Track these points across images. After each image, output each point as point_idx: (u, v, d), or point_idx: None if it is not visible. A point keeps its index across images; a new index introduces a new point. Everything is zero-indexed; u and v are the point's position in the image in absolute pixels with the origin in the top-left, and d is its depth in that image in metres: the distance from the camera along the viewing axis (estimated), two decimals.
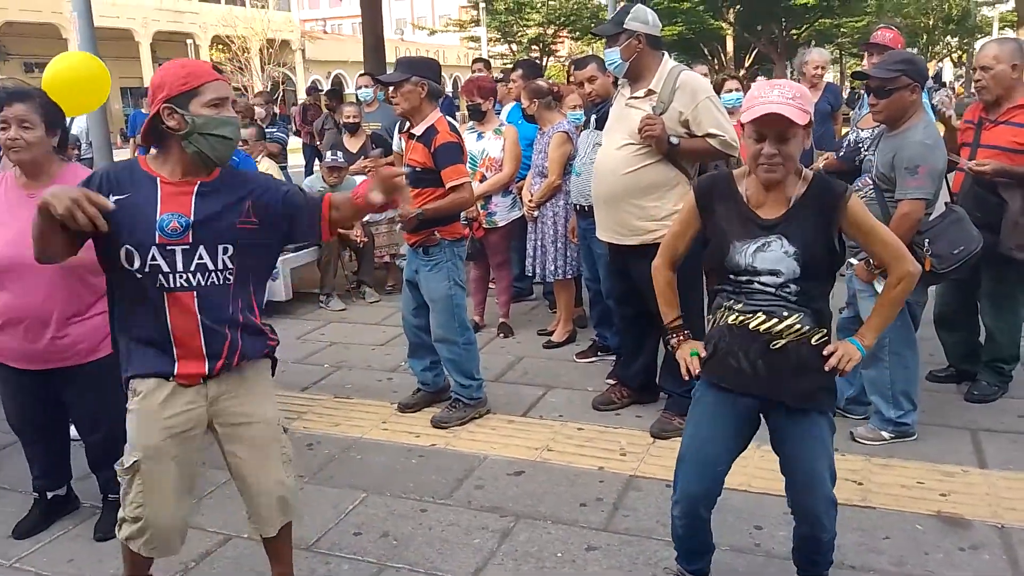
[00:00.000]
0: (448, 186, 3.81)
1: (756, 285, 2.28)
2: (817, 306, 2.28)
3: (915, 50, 23.98)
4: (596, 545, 2.93)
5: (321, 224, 2.39)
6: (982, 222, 3.42)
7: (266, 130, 7.12)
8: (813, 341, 2.27)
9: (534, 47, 29.59)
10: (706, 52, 25.50)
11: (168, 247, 2.21)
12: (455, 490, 3.37)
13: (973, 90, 3.92)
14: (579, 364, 4.85)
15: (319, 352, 5.30)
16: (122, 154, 12.20)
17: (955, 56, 30.73)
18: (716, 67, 16.26)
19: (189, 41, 33.12)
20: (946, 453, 3.49)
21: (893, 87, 3.34)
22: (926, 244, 3.30)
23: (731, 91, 5.65)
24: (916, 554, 2.79)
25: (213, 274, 2.26)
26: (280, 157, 7.51)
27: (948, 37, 28.06)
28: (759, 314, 2.28)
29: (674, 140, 3.60)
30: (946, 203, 3.51)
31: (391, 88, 3.93)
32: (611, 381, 4.40)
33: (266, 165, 6.08)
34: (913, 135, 3.32)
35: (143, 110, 10.34)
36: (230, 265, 2.28)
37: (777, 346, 2.27)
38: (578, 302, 5.51)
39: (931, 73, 25.77)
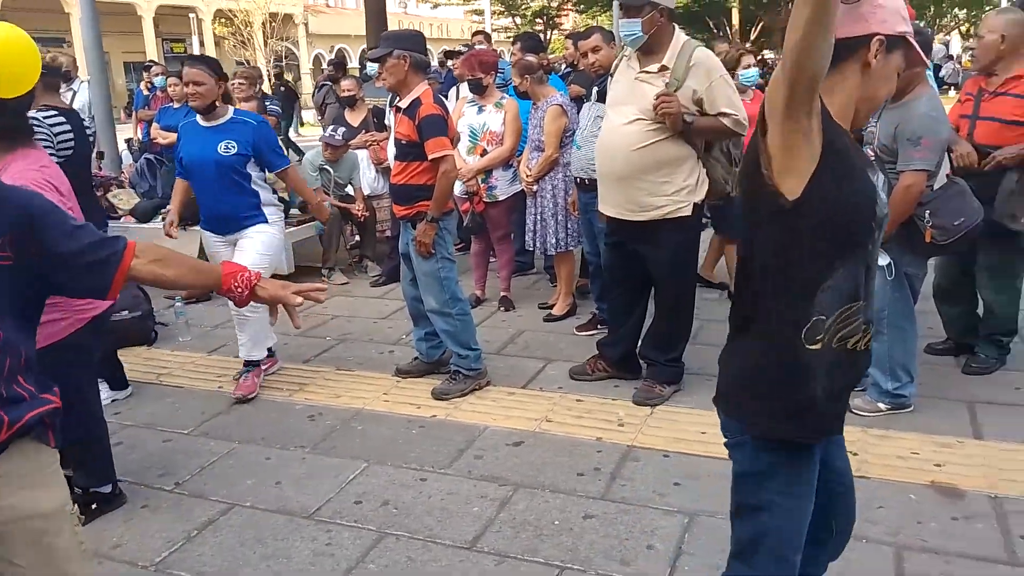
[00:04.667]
0: (431, 157, 3.82)
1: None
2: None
3: (922, 23, 23.67)
4: (593, 513, 2.97)
5: (114, 279, 1.74)
6: (979, 194, 3.41)
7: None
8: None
9: (538, 20, 29.37)
10: (712, 25, 25.26)
11: None
12: (455, 460, 3.41)
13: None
14: (579, 337, 4.87)
15: (322, 325, 5.33)
16: (125, 129, 12.18)
17: (963, 28, 30.36)
18: (721, 38, 16.11)
19: (192, 15, 32.86)
20: (943, 425, 3.52)
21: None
22: (927, 216, 3.30)
23: (749, 67, 5.40)
24: (910, 523, 2.82)
25: None
26: (278, 129, 7.49)
27: (956, 9, 27.70)
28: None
29: (688, 118, 3.59)
30: (947, 175, 3.50)
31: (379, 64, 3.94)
32: None
33: None
34: (917, 107, 3.30)
35: (142, 87, 10.29)
36: None
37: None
38: (582, 274, 5.52)
39: (937, 45, 25.57)
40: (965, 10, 27.58)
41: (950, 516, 2.85)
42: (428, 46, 4.84)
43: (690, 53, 3.60)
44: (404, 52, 3.83)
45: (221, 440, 3.71)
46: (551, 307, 5.37)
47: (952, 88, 20.06)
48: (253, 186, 4.13)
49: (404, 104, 3.90)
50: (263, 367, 4.31)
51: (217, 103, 4.09)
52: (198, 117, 4.14)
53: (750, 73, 5.35)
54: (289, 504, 3.13)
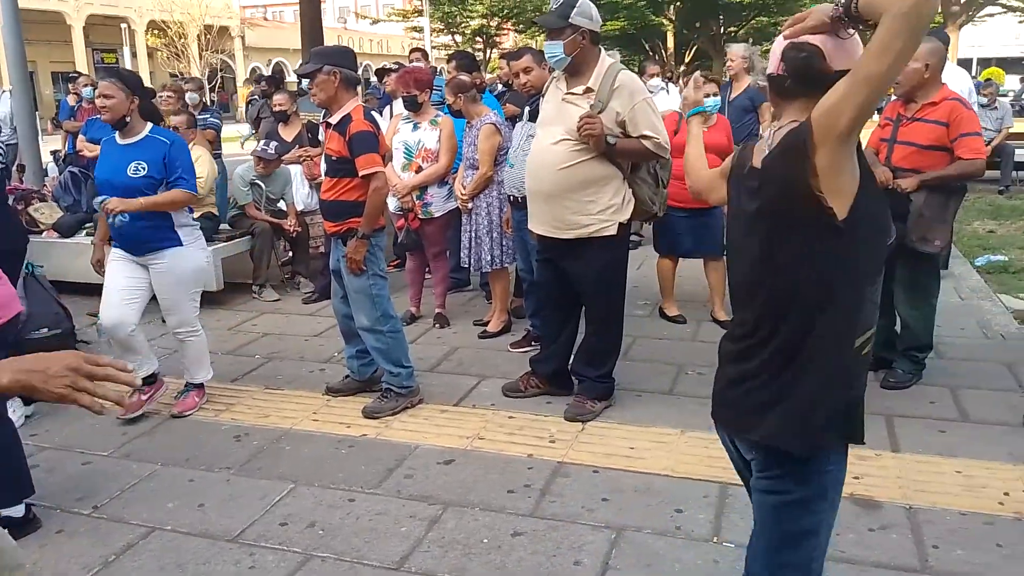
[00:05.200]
0: (362, 174, 3.82)
1: None
2: None
3: None
4: (522, 531, 2.98)
5: None
6: (894, 214, 3.55)
7: (198, 116, 6.95)
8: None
9: (478, 39, 29.53)
10: (647, 48, 25.78)
11: None
12: (384, 480, 3.38)
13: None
14: (514, 354, 4.89)
15: (251, 343, 5.23)
16: (52, 141, 11.81)
17: None
18: (658, 63, 16.47)
19: (124, 25, 32.11)
20: None
21: None
22: None
23: (708, 95, 5.31)
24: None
25: None
26: (215, 144, 7.36)
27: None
28: None
29: (611, 140, 3.66)
30: None
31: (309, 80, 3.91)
32: None
33: (198, 153, 5.93)
34: None
35: (68, 99, 9.97)
36: None
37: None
38: (517, 293, 5.55)
39: None
40: None
41: (867, 527, 2.94)
42: (368, 62, 4.81)
43: (614, 76, 3.68)
44: (334, 68, 3.82)
45: (143, 462, 3.61)
46: (486, 324, 5.38)
47: (875, 112, 20.82)
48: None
49: (334, 120, 3.89)
50: (158, 388, 4.17)
51: (129, 119, 3.85)
52: (116, 134, 3.93)
53: (712, 102, 5.23)
54: (212, 527, 3.06)
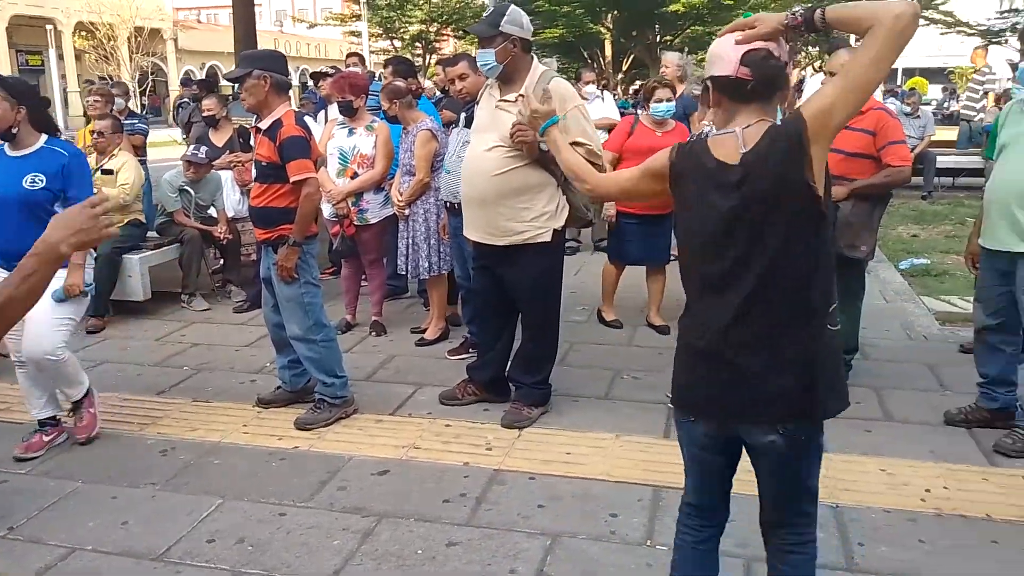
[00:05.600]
0: (293, 180, 3.76)
1: None
2: None
3: None
4: (457, 540, 2.95)
5: None
6: None
7: (125, 122, 6.75)
8: None
9: (416, 44, 29.42)
10: (586, 55, 26.03)
11: None
12: (317, 492, 3.31)
13: None
14: (451, 361, 4.86)
15: (179, 354, 5.09)
16: None
17: (816, 65, 32.58)
18: (597, 72, 16.63)
19: (50, 27, 31.03)
20: None
21: None
22: None
23: (661, 100, 5.10)
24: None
25: None
26: (141, 150, 7.15)
27: (809, 47, 29.71)
28: None
29: (544, 147, 3.67)
30: None
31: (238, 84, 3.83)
32: None
33: (123, 159, 5.77)
34: None
35: None
36: None
37: None
38: (452, 300, 5.52)
39: (794, 80, 27.35)
40: (818, 48, 29.58)
41: None
42: (305, 67, 4.70)
43: (547, 82, 3.69)
44: (264, 72, 3.74)
45: (63, 479, 3.47)
46: (423, 331, 5.34)
47: None
48: None
49: (264, 125, 3.81)
50: (91, 401, 3.91)
51: (16, 129, 3.55)
52: (5, 145, 3.61)
53: (662, 107, 5.10)
54: (136, 546, 2.95)
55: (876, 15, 1.75)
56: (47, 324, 3.56)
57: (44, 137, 3.64)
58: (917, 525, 2.99)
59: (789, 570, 2.17)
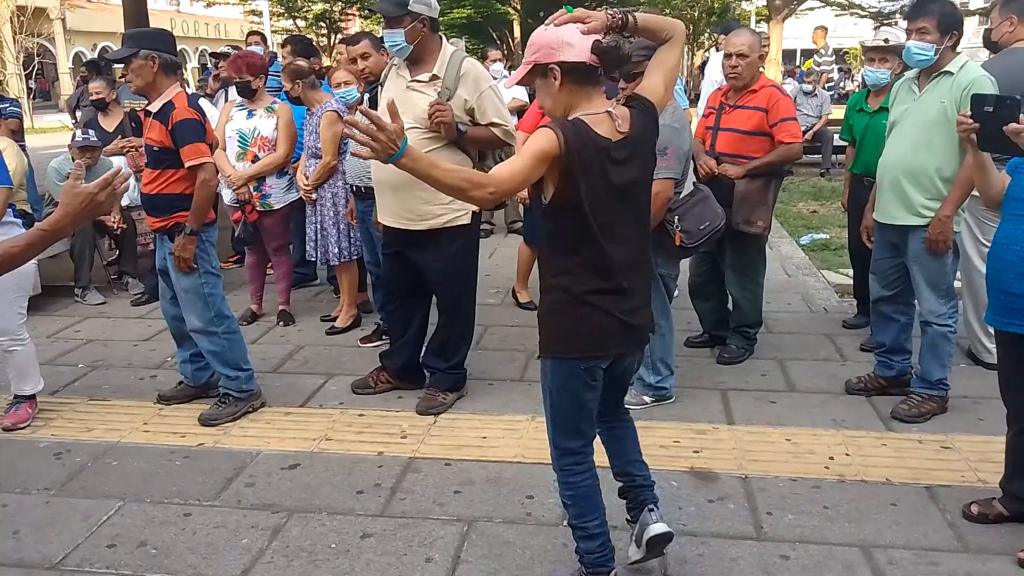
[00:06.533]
0: (188, 165, 3.59)
1: None
2: (540, 252, 2.50)
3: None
4: (371, 532, 2.89)
5: None
6: (719, 200, 3.72)
7: None
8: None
9: (321, 24, 28.64)
10: (495, 36, 25.90)
11: None
12: (223, 490, 3.19)
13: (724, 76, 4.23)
14: (363, 349, 4.76)
15: (73, 351, 4.82)
16: None
17: (718, 46, 33.43)
18: (504, 52, 16.53)
19: None
20: (699, 413, 3.78)
21: (638, 71, 3.52)
22: (676, 221, 3.54)
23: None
24: (671, 509, 2.99)
25: None
26: (18, 135, 6.71)
27: (711, 29, 30.38)
28: None
29: (462, 128, 3.61)
30: (694, 183, 3.77)
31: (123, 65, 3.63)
32: None
33: (3, 144, 5.39)
34: (662, 119, 3.50)
35: None
36: None
37: None
38: (363, 287, 5.41)
39: (698, 62, 27.93)
40: (719, 30, 30.31)
41: (706, 499, 3.06)
42: (204, 47, 4.46)
43: (459, 63, 3.63)
44: (152, 52, 3.55)
45: None
46: (334, 319, 5.21)
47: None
48: None
49: (155, 108, 3.62)
50: (34, 403, 3.89)
51: None
52: None
53: None
54: (28, 555, 2.78)
55: (675, 29, 2.31)
56: (4, 303, 3.61)
57: None
58: (821, 492, 3.09)
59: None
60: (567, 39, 2.13)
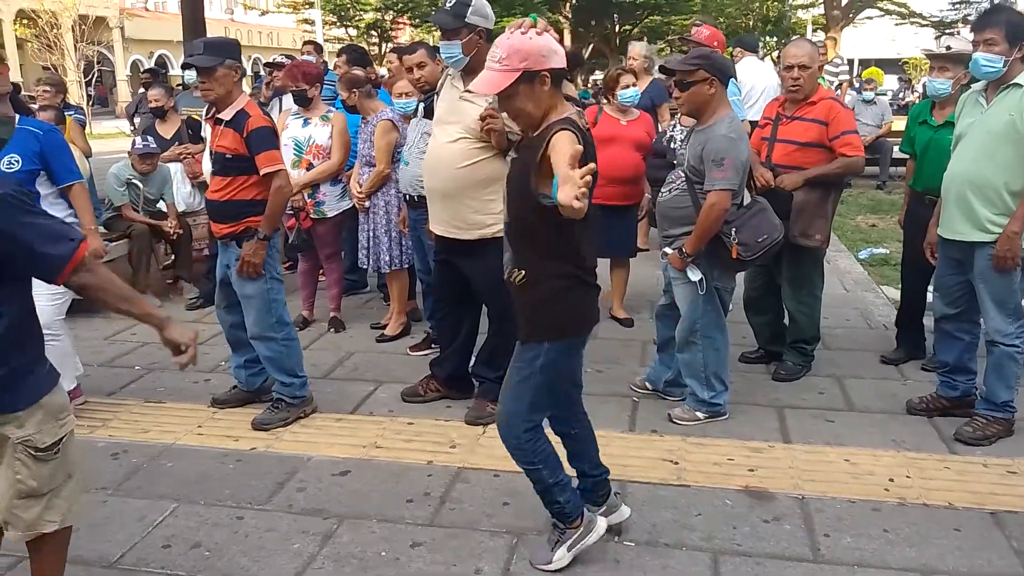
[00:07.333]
0: (263, 172, 3.65)
1: None
2: (517, 247, 2.54)
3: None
4: (421, 541, 2.88)
5: (63, 269, 2.09)
6: (776, 212, 3.65)
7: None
8: (516, 280, 2.54)
9: (372, 33, 29.02)
10: None
11: None
12: (275, 494, 3.22)
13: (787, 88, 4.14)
14: (412, 357, 4.77)
15: (129, 353, 4.92)
16: None
17: (773, 55, 33.04)
18: None
19: None
20: (754, 430, 3.71)
21: (691, 80, 3.49)
22: (733, 233, 3.48)
23: (627, 87, 5.10)
24: (725, 528, 2.93)
25: None
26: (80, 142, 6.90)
27: (767, 37, 30.05)
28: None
29: (512, 137, 3.60)
30: (751, 194, 3.71)
31: (199, 72, 3.68)
32: None
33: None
34: (719, 129, 3.48)
35: None
36: None
37: (504, 277, 2.62)
38: (412, 295, 5.43)
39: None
40: (775, 39, 29.92)
41: (761, 519, 2.99)
42: (258, 56, 4.54)
43: None
44: (235, 63, 3.65)
45: None
46: (383, 327, 5.24)
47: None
48: (44, 205, 3.73)
49: (227, 116, 3.68)
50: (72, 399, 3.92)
51: None
52: None
53: (629, 93, 5.09)
54: (87, 553, 2.83)
55: None
56: (44, 297, 3.55)
57: (17, 117, 3.65)
58: (881, 515, 3.00)
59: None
60: (552, 47, 2.34)
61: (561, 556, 2.69)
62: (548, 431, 2.72)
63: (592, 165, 2.03)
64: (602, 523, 2.78)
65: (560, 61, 2.37)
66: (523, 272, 2.50)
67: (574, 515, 2.71)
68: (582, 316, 2.56)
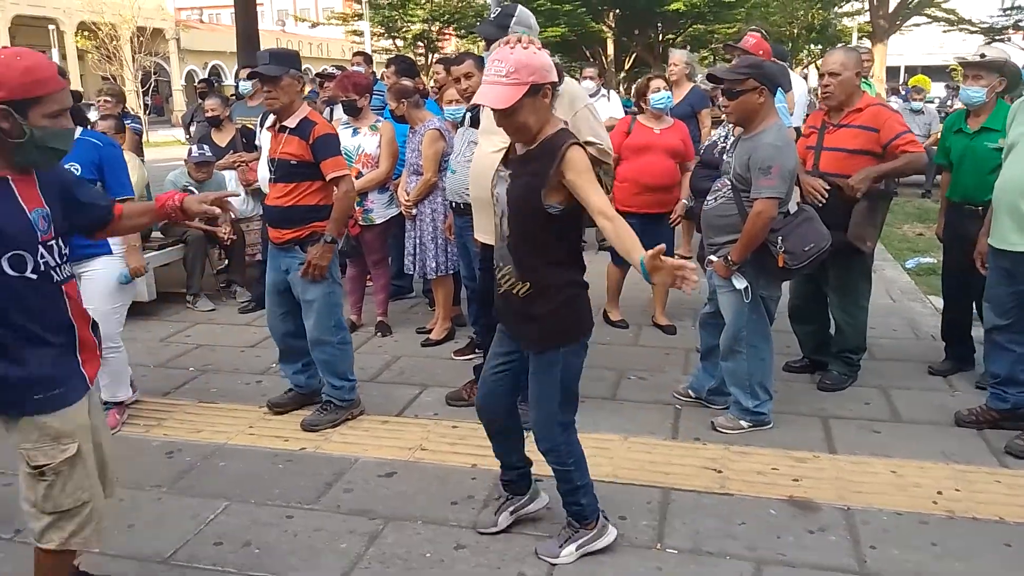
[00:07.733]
0: (330, 177, 3.76)
1: None
2: (521, 259, 2.58)
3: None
4: (465, 543, 2.93)
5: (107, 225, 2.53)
6: (826, 222, 3.62)
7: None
8: (519, 292, 2.59)
9: (419, 43, 29.35)
10: (588, 54, 25.97)
11: (48, 243, 2.21)
12: (323, 495, 3.29)
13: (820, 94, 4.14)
14: (457, 362, 4.84)
15: (184, 355, 5.07)
16: None
17: (817, 63, 32.53)
18: (595, 66, 16.54)
19: (52, 27, 31.00)
20: (799, 440, 3.68)
21: (741, 89, 3.49)
22: (780, 241, 3.47)
23: (659, 90, 5.13)
24: (769, 538, 2.92)
25: (65, 266, 2.30)
26: (138, 150, 7.14)
27: (811, 45, 29.64)
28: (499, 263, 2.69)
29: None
30: (798, 203, 3.69)
31: (263, 82, 3.81)
32: None
33: (127, 157, 5.74)
34: (765, 137, 3.48)
35: None
36: (65, 254, 2.31)
37: (500, 291, 2.68)
38: (457, 300, 5.50)
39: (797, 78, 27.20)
40: (820, 47, 29.49)
41: (806, 529, 2.97)
42: (308, 66, 4.69)
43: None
44: (299, 73, 3.79)
45: None
46: (429, 332, 5.31)
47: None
48: None
49: (292, 124, 3.78)
50: (122, 409, 4.07)
51: None
52: None
53: (660, 96, 5.11)
54: (142, 548, 2.93)
55: None
56: (104, 313, 3.71)
57: (79, 129, 3.78)
58: (928, 527, 2.97)
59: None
60: (550, 61, 2.46)
61: (569, 553, 2.78)
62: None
63: (662, 246, 2.20)
64: (612, 531, 2.86)
65: (555, 75, 2.50)
66: (527, 284, 2.58)
67: (591, 518, 2.81)
68: (588, 318, 2.69)
